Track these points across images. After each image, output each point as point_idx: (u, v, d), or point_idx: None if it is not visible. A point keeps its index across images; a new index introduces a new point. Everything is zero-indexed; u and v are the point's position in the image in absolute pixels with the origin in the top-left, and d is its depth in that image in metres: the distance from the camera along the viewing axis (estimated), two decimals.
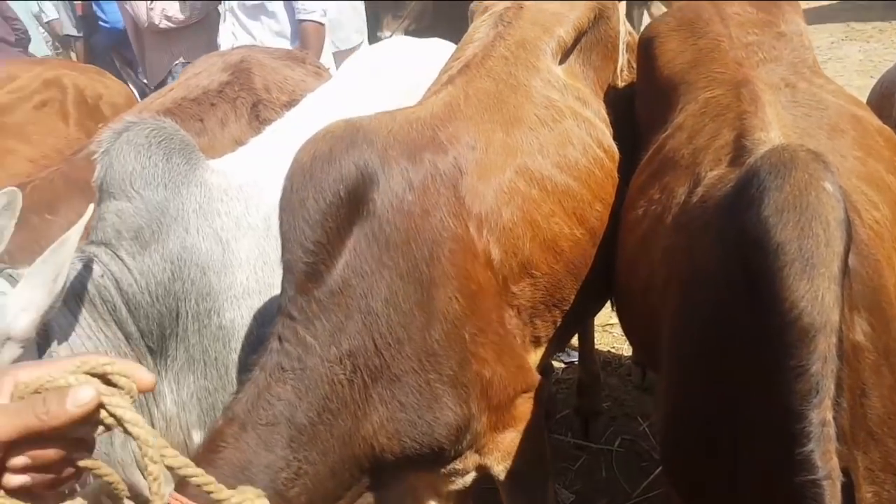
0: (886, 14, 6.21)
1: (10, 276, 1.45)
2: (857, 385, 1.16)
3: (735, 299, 1.22)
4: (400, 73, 2.27)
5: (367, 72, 2.31)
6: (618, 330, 3.37)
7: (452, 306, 1.55)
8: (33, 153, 2.80)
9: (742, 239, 1.20)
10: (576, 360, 3.05)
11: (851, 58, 5.65)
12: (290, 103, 2.37)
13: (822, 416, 1.02)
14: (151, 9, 3.72)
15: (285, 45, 3.45)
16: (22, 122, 2.86)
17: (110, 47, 5.41)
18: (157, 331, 1.62)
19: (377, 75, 2.27)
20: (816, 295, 1.06)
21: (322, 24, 3.51)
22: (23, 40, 4.94)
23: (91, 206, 1.57)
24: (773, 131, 1.45)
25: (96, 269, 1.58)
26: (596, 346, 3.02)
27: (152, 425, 1.62)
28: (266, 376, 1.45)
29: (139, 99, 3.39)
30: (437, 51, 2.42)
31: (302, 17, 3.45)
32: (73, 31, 5.47)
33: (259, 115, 2.39)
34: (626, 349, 3.27)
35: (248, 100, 2.41)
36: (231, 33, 3.46)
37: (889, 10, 6.25)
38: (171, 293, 1.63)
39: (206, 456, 1.41)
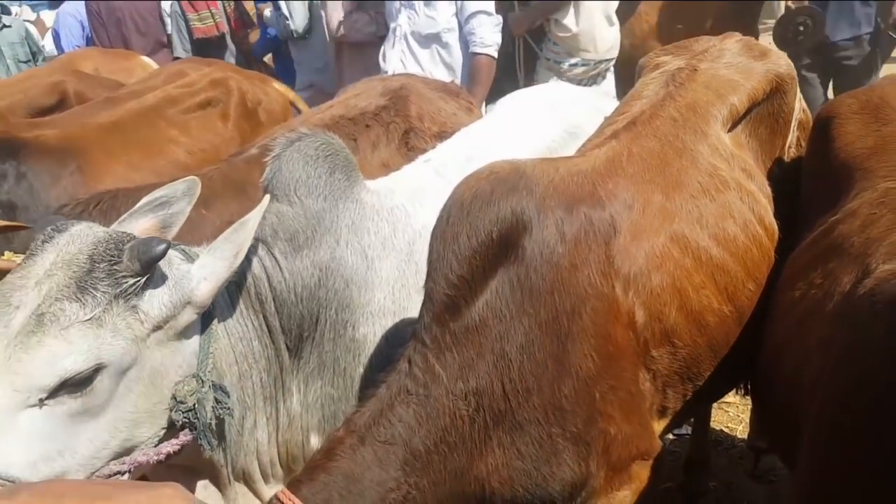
0: None
1: (184, 250, 1.54)
2: None
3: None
4: (557, 118, 2.27)
5: (526, 113, 2.33)
6: (734, 410, 3.19)
7: (587, 364, 1.53)
8: (192, 146, 3.04)
9: None
10: (687, 433, 2.91)
11: None
12: (440, 134, 2.42)
13: None
14: (342, 20, 3.96)
15: (452, 76, 3.54)
16: (186, 116, 3.11)
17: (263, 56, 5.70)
18: (296, 331, 1.67)
19: (535, 118, 2.29)
20: None
21: (494, 59, 3.60)
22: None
23: (267, 197, 1.65)
24: None
25: (254, 261, 1.65)
26: (710, 424, 2.87)
27: (276, 419, 1.69)
28: (391, 395, 1.48)
29: None
30: (597, 101, 2.42)
31: (478, 49, 3.53)
32: (183, 55, 5.17)
33: (409, 142, 2.46)
34: (740, 430, 3.08)
35: (402, 126, 2.47)
36: (400, 60, 3.59)
37: None
38: (316, 298, 1.67)
39: (321, 462, 1.45)
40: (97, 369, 1.32)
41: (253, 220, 1.52)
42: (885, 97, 1.91)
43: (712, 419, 2.94)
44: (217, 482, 1.63)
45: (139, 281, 1.35)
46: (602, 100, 2.61)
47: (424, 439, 1.45)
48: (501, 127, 2.29)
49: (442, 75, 3.51)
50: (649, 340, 1.64)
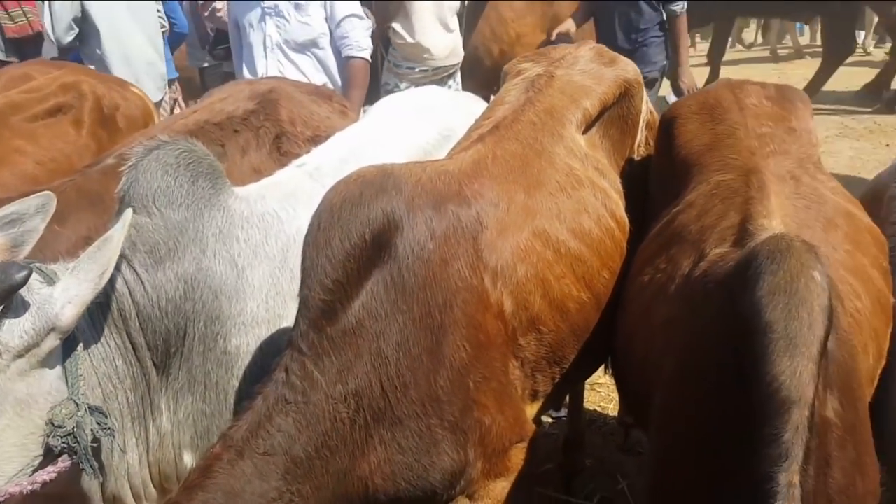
0: (877, 116, 6.62)
1: (42, 271, 1.47)
2: (823, 456, 1.27)
3: (725, 370, 1.32)
4: (432, 122, 2.34)
5: (401, 117, 2.38)
6: (605, 389, 3.42)
7: (460, 354, 1.60)
8: (41, 156, 2.81)
9: (736, 315, 1.31)
10: (564, 416, 3.10)
11: (843, 153, 5.92)
12: (314, 139, 2.40)
13: (789, 479, 1.13)
14: None
15: (330, 81, 3.51)
16: (34, 125, 2.86)
17: None
18: (162, 347, 1.62)
19: (410, 121, 2.34)
20: (795, 371, 1.19)
21: (369, 62, 3.59)
22: None
23: (130, 210, 1.59)
24: (774, 219, 1.56)
25: (114, 277, 1.59)
26: (583, 404, 3.08)
27: (146, 439, 1.64)
28: (268, 406, 1.47)
29: None
30: (469, 105, 2.51)
31: (353, 53, 3.51)
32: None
33: (281, 147, 2.41)
34: (611, 409, 3.32)
35: (272, 131, 2.42)
36: (278, 71, 3.49)
37: (879, 113, 6.67)
38: (182, 312, 1.63)
39: (199, 480, 1.43)
40: None
41: (117, 236, 1.47)
42: (718, 98, 2.13)
43: (585, 400, 3.14)
44: None
45: None
46: (475, 103, 2.70)
47: (305, 446, 1.46)
48: (376, 130, 2.32)
49: (323, 81, 3.49)
50: (517, 328, 1.74)
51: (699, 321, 1.49)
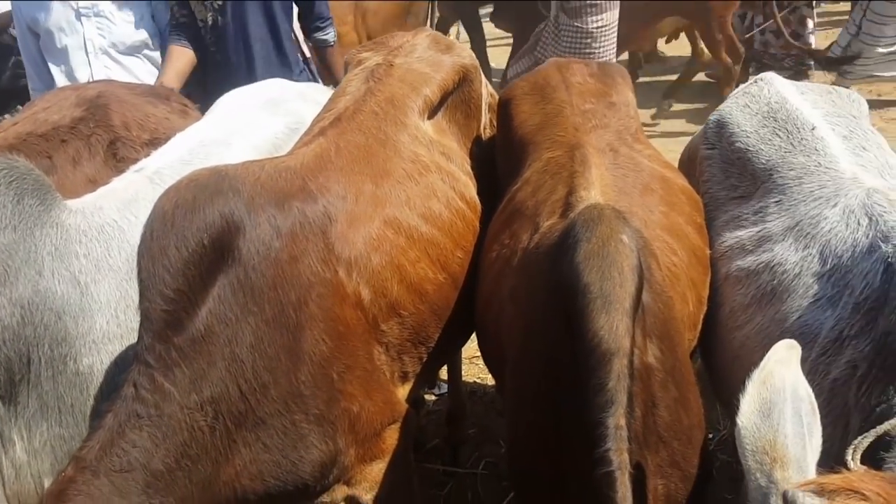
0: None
1: None
2: (649, 398, 1.43)
3: (556, 331, 1.44)
4: (280, 115, 2.31)
5: (247, 111, 2.32)
6: (482, 362, 3.55)
7: (320, 348, 1.62)
8: None
9: (559, 280, 1.44)
10: (446, 392, 3.20)
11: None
12: (152, 142, 2.30)
13: (616, 422, 1.26)
14: None
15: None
16: None
17: None
18: (4, 376, 1.55)
19: (257, 116, 2.29)
20: (612, 326, 1.32)
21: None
22: None
23: None
24: (593, 190, 1.70)
25: None
26: (463, 378, 3.20)
27: (1, 474, 1.58)
28: (120, 423, 1.44)
29: None
30: (317, 96, 2.49)
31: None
32: None
33: (117, 153, 2.30)
34: (489, 379, 3.46)
35: (105, 137, 2.30)
36: (105, 76, 3.19)
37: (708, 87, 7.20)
38: (21, 338, 1.56)
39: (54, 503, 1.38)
40: None
41: None
42: (547, 78, 2.26)
43: (465, 373, 3.27)
44: None
45: None
46: (323, 94, 2.68)
47: (164, 458, 1.44)
48: (220, 127, 2.26)
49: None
50: (377, 315, 1.79)
51: (534, 288, 1.62)
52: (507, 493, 2.82)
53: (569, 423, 1.41)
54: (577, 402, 1.34)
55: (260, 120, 2.30)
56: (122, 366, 1.67)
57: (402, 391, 1.97)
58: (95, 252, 1.72)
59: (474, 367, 3.50)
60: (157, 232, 1.49)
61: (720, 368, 1.95)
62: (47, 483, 1.63)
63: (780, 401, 1.11)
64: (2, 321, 1.55)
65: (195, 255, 1.49)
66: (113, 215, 1.80)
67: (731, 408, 1.28)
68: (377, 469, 1.83)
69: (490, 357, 2.08)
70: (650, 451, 1.43)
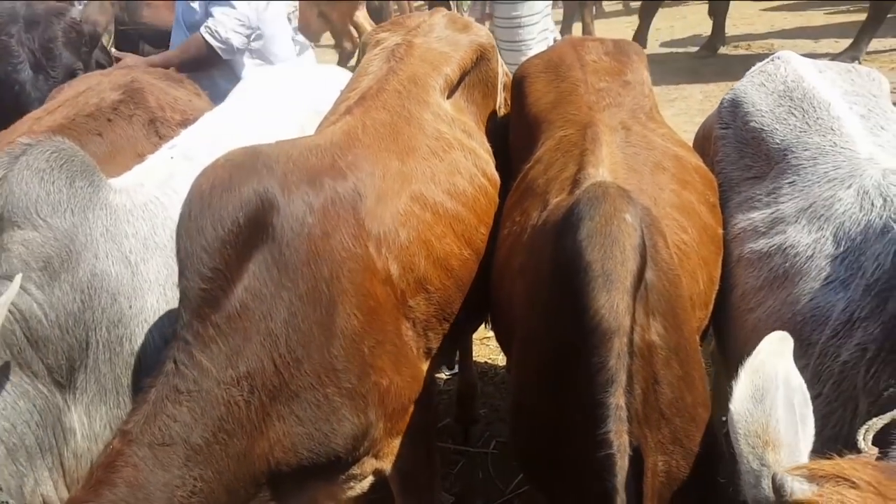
0: (721, 59, 7.22)
1: None
2: (651, 375, 1.43)
3: (560, 309, 1.44)
4: (305, 97, 2.34)
5: (273, 93, 2.35)
6: (493, 343, 3.59)
7: (352, 322, 1.65)
8: None
9: (563, 257, 1.44)
10: (457, 372, 3.24)
11: (694, 97, 6.45)
12: (183, 122, 2.36)
13: (616, 402, 1.26)
14: None
15: None
16: None
17: None
18: (66, 364, 1.56)
19: (283, 97, 2.31)
20: (613, 304, 1.32)
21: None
22: None
23: (18, 278, 1.47)
24: (602, 167, 1.70)
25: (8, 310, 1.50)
26: (474, 358, 3.23)
27: (61, 465, 1.59)
28: (162, 398, 1.47)
29: None
30: (341, 78, 2.50)
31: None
32: None
33: (158, 131, 2.39)
34: (500, 360, 3.50)
35: (145, 117, 2.38)
36: None
37: (724, 58, 7.27)
38: (82, 323, 1.57)
39: (103, 475, 1.41)
40: None
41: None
42: (562, 56, 2.28)
43: (476, 354, 3.31)
44: None
45: None
46: (344, 76, 2.69)
47: (203, 433, 1.47)
48: (247, 108, 2.29)
49: None
50: (406, 291, 1.81)
51: (540, 265, 1.61)
52: (517, 473, 2.86)
53: (570, 402, 1.40)
54: (578, 381, 1.34)
55: (285, 102, 2.33)
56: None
57: (425, 367, 2.00)
58: (142, 231, 1.73)
59: (485, 348, 3.54)
60: (194, 211, 1.51)
61: (732, 351, 1.94)
62: None
63: (772, 388, 1.11)
64: (66, 308, 1.55)
65: (231, 234, 1.50)
66: (154, 192, 1.82)
67: None
68: (403, 443, 1.86)
69: (501, 333, 2.10)
70: (651, 428, 1.42)
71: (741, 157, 2.09)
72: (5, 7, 3.08)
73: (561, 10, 8.29)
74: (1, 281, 1.55)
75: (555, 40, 4.24)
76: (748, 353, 1.19)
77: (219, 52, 3.18)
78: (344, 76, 2.72)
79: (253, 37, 3.27)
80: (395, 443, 1.85)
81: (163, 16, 4.09)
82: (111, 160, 1.99)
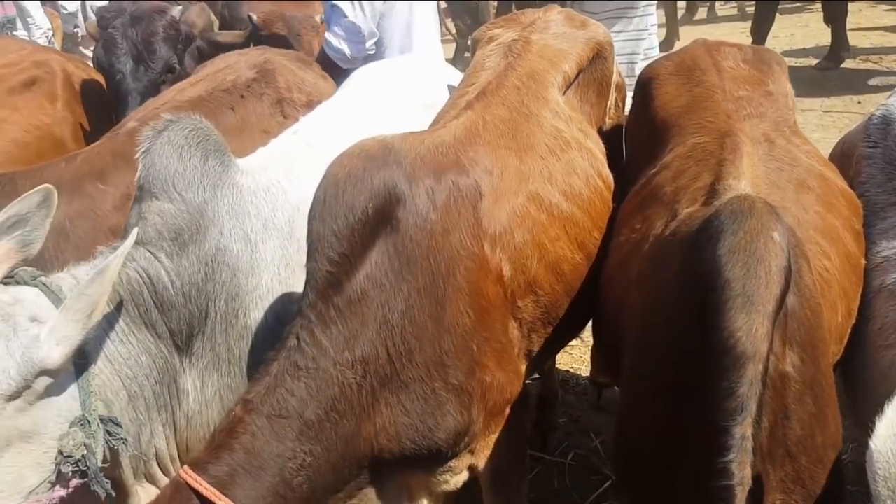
0: (845, 73, 6.76)
1: (45, 285, 1.47)
2: (781, 409, 1.34)
3: (686, 324, 1.37)
4: (413, 91, 2.35)
5: (384, 85, 2.37)
6: (577, 351, 3.53)
7: (463, 320, 1.64)
8: (26, 124, 2.96)
9: (698, 271, 1.35)
10: (537, 377, 3.17)
11: (813, 112, 6.01)
12: (308, 104, 2.51)
13: (743, 431, 1.18)
14: None
15: None
16: (12, 97, 3.00)
17: None
18: (186, 330, 1.64)
19: (393, 90, 2.34)
20: (751, 328, 1.23)
21: None
22: None
23: (134, 232, 1.58)
24: (743, 180, 1.60)
25: (130, 272, 1.61)
26: (556, 366, 3.16)
27: (173, 423, 1.68)
28: (282, 371, 1.53)
29: None
30: (445, 73, 2.52)
31: None
32: None
33: (284, 111, 2.54)
34: (583, 369, 3.43)
35: (274, 96, 2.56)
36: None
37: (849, 71, 6.80)
38: (203, 294, 1.66)
39: (224, 439, 1.48)
40: None
41: (112, 270, 1.44)
42: (696, 60, 2.17)
43: (559, 361, 3.24)
44: (120, 489, 1.60)
45: None
46: (451, 72, 2.72)
47: (316, 410, 1.51)
48: (363, 99, 2.33)
49: None
50: (516, 292, 1.78)
51: (665, 276, 1.54)
52: (595, 487, 2.79)
53: (688, 424, 1.33)
54: (700, 403, 1.27)
55: (395, 95, 2.34)
56: (282, 320, 1.74)
57: (523, 369, 1.96)
58: (264, 212, 1.80)
59: (568, 357, 3.47)
60: (328, 197, 1.56)
61: (862, 387, 1.82)
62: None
63: None
64: (190, 278, 1.64)
65: (360, 222, 1.54)
66: (277, 175, 1.88)
67: (867, 429, 1.18)
68: (498, 441, 1.84)
69: (604, 342, 2.04)
70: (774, 465, 1.35)
71: (889, 179, 1.96)
72: (115, 5, 3.41)
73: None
74: (135, 247, 1.64)
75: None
76: (885, 392, 1.08)
77: (337, 62, 3.30)
78: (451, 71, 2.72)
79: (371, 44, 3.33)
80: (491, 440, 1.84)
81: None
82: (240, 134, 2.17)
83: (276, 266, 1.77)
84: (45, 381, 1.40)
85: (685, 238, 1.50)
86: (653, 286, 1.61)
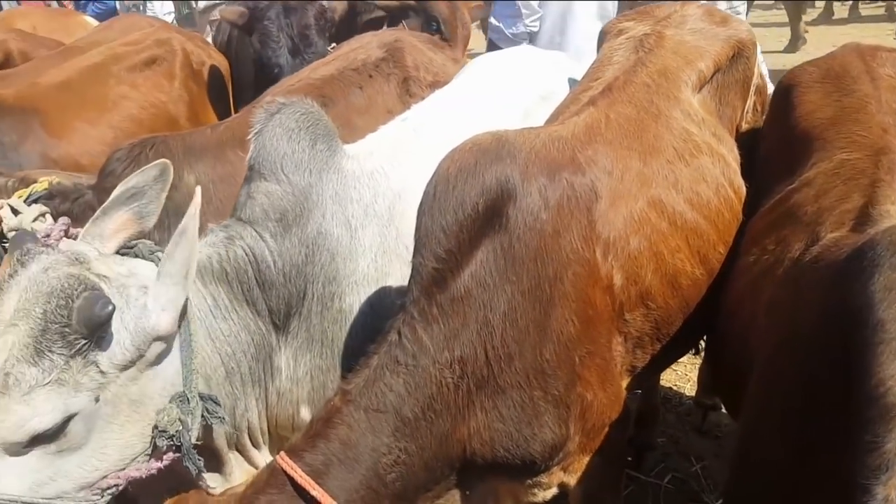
0: None
1: (161, 258, 1.50)
2: None
3: (827, 363, 1.23)
4: (530, 82, 2.28)
5: (499, 76, 2.31)
6: (682, 369, 3.33)
7: (568, 328, 1.56)
8: (143, 101, 3.10)
9: (846, 306, 1.21)
10: (638, 391, 3.02)
11: None
12: (434, 83, 2.54)
13: (887, 493, 1.04)
14: None
15: None
16: (133, 74, 3.16)
17: None
18: (284, 309, 1.67)
19: (509, 81, 2.27)
20: None
21: None
22: None
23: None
24: None
25: (237, 250, 1.65)
26: (660, 382, 2.99)
27: (265, 399, 1.71)
28: (382, 366, 1.51)
29: None
30: (565, 65, 2.42)
31: None
32: None
33: (409, 89, 2.59)
34: (688, 388, 3.23)
35: (400, 75, 2.60)
36: None
37: None
38: (303, 275, 1.67)
39: (321, 429, 1.48)
40: (67, 419, 1.33)
41: (191, 229, 1.46)
42: (845, 66, 1.96)
43: (662, 378, 3.06)
44: (214, 456, 1.64)
45: (91, 340, 1.33)
46: (573, 64, 2.61)
47: (413, 407, 1.49)
48: (476, 89, 2.28)
49: None
50: (625, 303, 1.67)
51: (806, 307, 1.39)
52: None
53: (820, 474, 1.19)
54: (835, 453, 1.13)
55: (512, 85, 2.28)
56: (375, 307, 1.74)
57: (625, 385, 1.84)
58: (365, 198, 1.79)
59: (672, 374, 3.28)
60: (439, 192, 1.52)
61: None
62: (303, 409, 1.76)
63: None
64: (291, 259, 1.66)
65: (469, 219, 1.50)
66: (381, 161, 1.86)
67: None
68: (595, 462, 1.75)
69: (724, 368, 1.88)
70: None
71: None
72: None
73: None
74: (243, 225, 1.67)
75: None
76: None
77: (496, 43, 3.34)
78: (573, 63, 2.61)
79: (533, 20, 3.36)
80: (586, 460, 1.74)
81: None
82: (366, 112, 2.22)
83: (373, 253, 1.76)
84: (157, 348, 1.44)
85: (830, 267, 1.36)
86: (788, 316, 1.45)
